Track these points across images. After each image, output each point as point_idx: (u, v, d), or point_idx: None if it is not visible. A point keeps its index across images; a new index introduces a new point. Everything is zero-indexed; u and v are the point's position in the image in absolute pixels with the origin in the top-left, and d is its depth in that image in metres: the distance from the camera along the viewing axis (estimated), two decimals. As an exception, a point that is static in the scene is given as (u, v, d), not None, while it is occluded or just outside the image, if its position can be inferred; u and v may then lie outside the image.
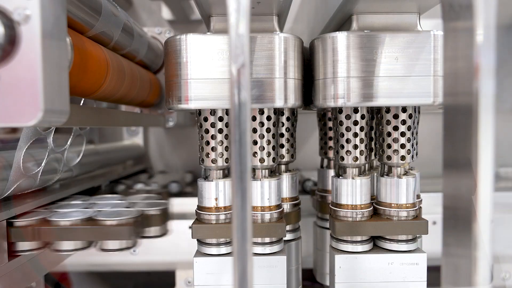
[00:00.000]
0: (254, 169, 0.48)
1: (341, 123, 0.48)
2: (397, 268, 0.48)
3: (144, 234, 0.57)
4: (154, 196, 0.66)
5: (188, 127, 1.08)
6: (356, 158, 0.48)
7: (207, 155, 0.47)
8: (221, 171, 0.48)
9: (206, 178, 0.48)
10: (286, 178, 0.54)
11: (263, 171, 0.48)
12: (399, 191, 0.48)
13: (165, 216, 0.58)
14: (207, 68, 0.43)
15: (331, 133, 0.60)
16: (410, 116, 0.47)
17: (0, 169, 0.49)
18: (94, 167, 0.78)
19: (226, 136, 0.47)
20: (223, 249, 0.48)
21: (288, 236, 0.54)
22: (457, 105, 0.30)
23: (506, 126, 1.03)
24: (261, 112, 0.47)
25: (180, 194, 0.85)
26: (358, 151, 0.47)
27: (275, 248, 0.49)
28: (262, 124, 0.47)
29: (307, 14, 0.78)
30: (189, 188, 0.94)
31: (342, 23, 0.50)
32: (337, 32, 0.43)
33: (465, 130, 0.29)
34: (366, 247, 0.49)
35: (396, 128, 0.47)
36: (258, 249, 0.48)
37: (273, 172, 0.51)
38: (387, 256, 0.48)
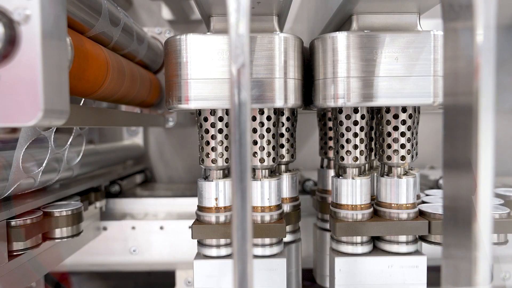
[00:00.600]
0: (254, 169, 0.48)
1: (341, 123, 0.48)
2: (397, 270, 0.47)
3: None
4: None
5: (188, 127, 1.08)
6: (356, 158, 0.48)
7: (207, 155, 0.47)
8: (221, 171, 0.48)
9: (206, 178, 0.48)
10: (286, 178, 0.54)
11: (263, 171, 0.48)
12: (399, 191, 0.48)
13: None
14: (207, 68, 0.43)
15: (331, 133, 0.60)
16: (410, 116, 0.47)
17: (0, 169, 0.49)
18: (94, 167, 0.78)
19: (226, 136, 0.47)
20: (223, 251, 0.48)
21: (288, 238, 0.54)
22: (457, 105, 0.30)
23: (506, 126, 1.03)
24: (261, 112, 0.47)
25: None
26: (358, 151, 0.47)
27: (275, 249, 0.49)
28: (262, 124, 0.47)
29: (307, 14, 0.78)
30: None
31: (342, 23, 0.50)
32: (337, 32, 0.43)
33: (465, 130, 0.29)
34: (366, 248, 0.49)
35: (396, 128, 0.47)
36: (258, 251, 0.48)
37: (273, 172, 0.51)
38: (387, 259, 0.48)
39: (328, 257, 0.57)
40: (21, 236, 0.49)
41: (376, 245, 0.50)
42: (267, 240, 0.49)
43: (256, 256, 0.48)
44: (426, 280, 0.47)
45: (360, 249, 0.48)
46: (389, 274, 0.47)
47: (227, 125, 0.47)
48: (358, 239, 0.49)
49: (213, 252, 0.48)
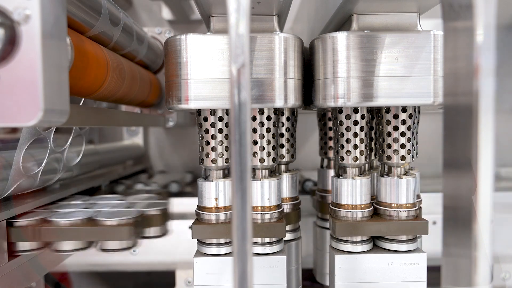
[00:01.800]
0: (254, 169, 0.48)
1: (341, 123, 0.48)
2: (397, 268, 0.47)
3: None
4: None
5: (188, 127, 1.08)
6: (356, 158, 0.48)
7: (207, 155, 0.47)
8: (221, 171, 0.48)
9: (206, 178, 0.48)
10: (286, 178, 0.54)
11: (263, 171, 0.48)
12: (399, 191, 0.48)
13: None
14: (207, 68, 0.43)
15: (331, 133, 0.60)
16: (410, 116, 0.47)
17: (0, 169, 0.49)
18: (94, 167, 0.78)
19: (226, 136, 0.47)
20: (223, 249, 0.48)
21: (288, 236, 0.54)
22: (457, 105, 0.30)
23: (506, 126, 1.03)
24: (261, 112, 0.47)
25: (180, 194, 0.85)
26: (358, 151, 0.47)
27: (275, 248, 0.49)
28: (262, 124, 0.47)
29: (307, 14, 0.78)
30: (189, 188, 0.94)
31: (342, 23, 0.50)
32: (337, 32, 0.43)
33: (465, 130, 0.29)
34: (366, 247, 0.49)
35: (396, 128, 0.47)
36: (258, 249, 0.48)
37: (273, 172, 0.51)
38: (387, 256, 0.48)
39: (328, 255, 0.57)
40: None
41: (376, 244, 0.50)
42: (267, 239, 0.49)
43: (256, 254, 0.48)
44: (426, 277, 0.47)
45: (360, 248, 0.48)
46: (389, 271, 0.47)
47: (227, 125, 0.47)
48: (359, 238, 0.49)
49: (213, 250, 0.48)
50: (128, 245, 0.56)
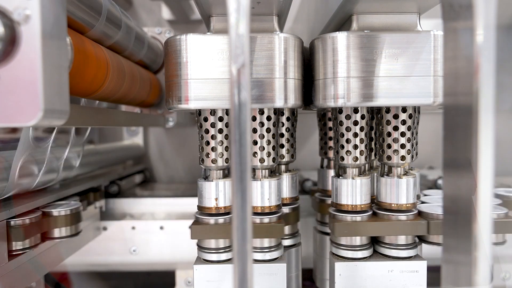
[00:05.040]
0: (254, 169, 0.48)
1: (341, 123, 0.48)
2: (397, 275, 0.47)
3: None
4: None
5: (188, 127, 1.08)
6: (356, 158, 0.48)
7: (207, 155, 0.47)
8: (221, 171, 0.48)
9: (206, 178, 0.48)
10: (286, 178, 0.54)
11: (263, 171, 0.48)
12: (399, 191, 0.48)
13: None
14: (207, 68, 0.43)
15: (331, 133, 0.60)
16: (410, 116, 0.47)
17: (0, 169, 0.49)
18: (94, 167, 0.78)
19: (226, 136, 0.47)
20: (223, 256, 0.48)
21: (288, 242, 0.54)
22: (457, 105, 0.30)
23: (506, 126, 1.03)
24: (261, 112, 0.47)
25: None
26: (358, 151, 0.47)
27: (275, 254, 0.48)
28: (262, 124, 0.47)
29: (307, 14, 0.78)
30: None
31: (342, 23, 0.50)
32: (337, 32, 0.43)
33: (465, 130, 0.29)
34: (366, 252, 0.48)
35: (396, 128, 0.47)
36: (258, 256, 0.48)
37: (273, 172, 0.51)
38: (387, 264, 0.48)
39: (328, 261, 0.56)
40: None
41: (376, 249, 0.50)
42: (266, 244, 0.48)
43: (256, 261, 0.48)
44: (426, 284, 0.47)
45: (360, 254, 0.48)
46: (389, 278, 0.47)
47: (227, 125, 0.47)
48: (358, 243, 0.48)
49: (213, 256, 0.48)
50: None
